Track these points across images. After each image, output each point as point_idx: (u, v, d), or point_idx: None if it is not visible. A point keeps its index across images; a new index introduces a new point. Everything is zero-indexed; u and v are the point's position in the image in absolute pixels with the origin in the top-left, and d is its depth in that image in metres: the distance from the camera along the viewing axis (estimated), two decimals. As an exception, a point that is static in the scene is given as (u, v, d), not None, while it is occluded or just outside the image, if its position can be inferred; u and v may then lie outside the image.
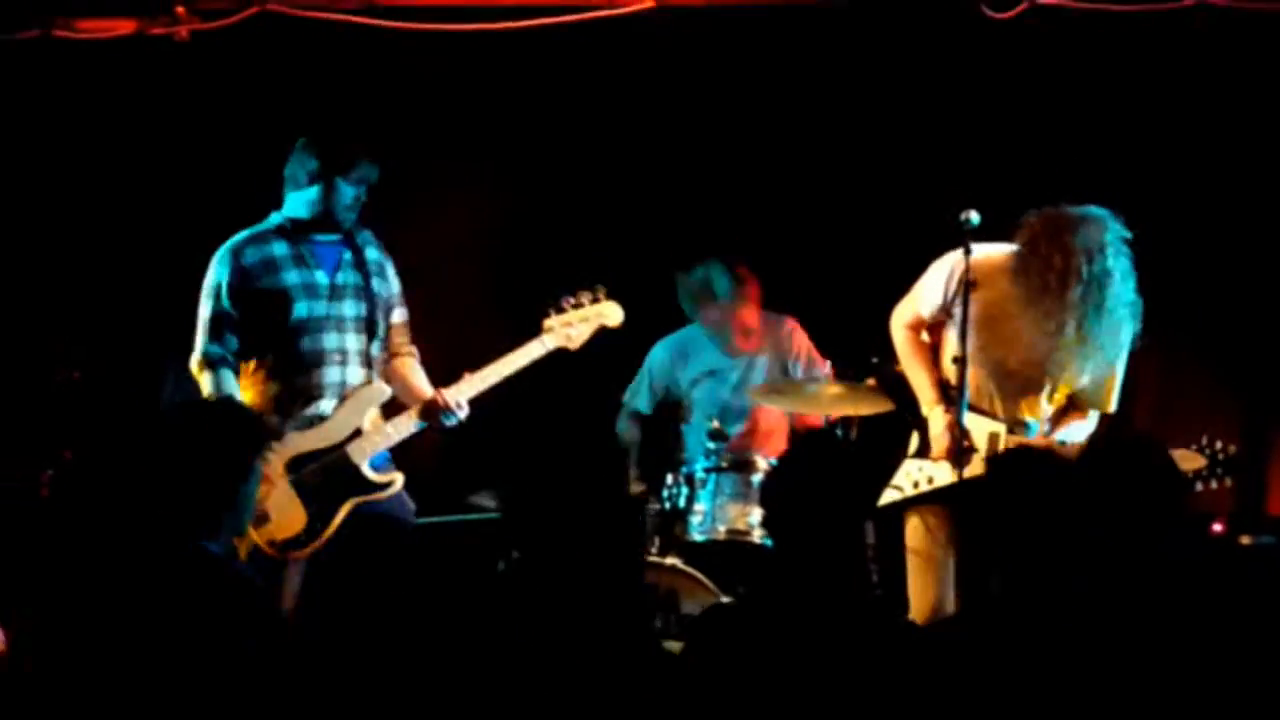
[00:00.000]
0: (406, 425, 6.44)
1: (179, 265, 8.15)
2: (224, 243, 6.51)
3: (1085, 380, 6.24)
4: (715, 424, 7.59)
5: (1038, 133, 8.13)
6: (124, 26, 8.38)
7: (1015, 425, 6.25)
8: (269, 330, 6.38)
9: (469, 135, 8.58)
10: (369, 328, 6.47)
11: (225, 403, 5.85)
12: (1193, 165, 8.21)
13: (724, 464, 7.42)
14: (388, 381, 6.53)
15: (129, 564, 4.61)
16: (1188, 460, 6.04)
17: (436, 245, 8.11)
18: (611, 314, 6.75)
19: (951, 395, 6.22)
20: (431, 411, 6.42)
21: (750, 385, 7.91)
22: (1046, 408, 6.31)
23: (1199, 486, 6.07)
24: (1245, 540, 7.45)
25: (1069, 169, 7.71)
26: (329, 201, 6.42)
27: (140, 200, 8.48)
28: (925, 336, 6.47)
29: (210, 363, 6.38)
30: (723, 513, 7.33)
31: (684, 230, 8.41)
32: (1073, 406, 6.34)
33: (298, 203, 6.46)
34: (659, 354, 8.15)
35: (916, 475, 6.32)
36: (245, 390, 6.36)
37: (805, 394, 7.65)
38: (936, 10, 8.12)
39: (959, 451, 6.08)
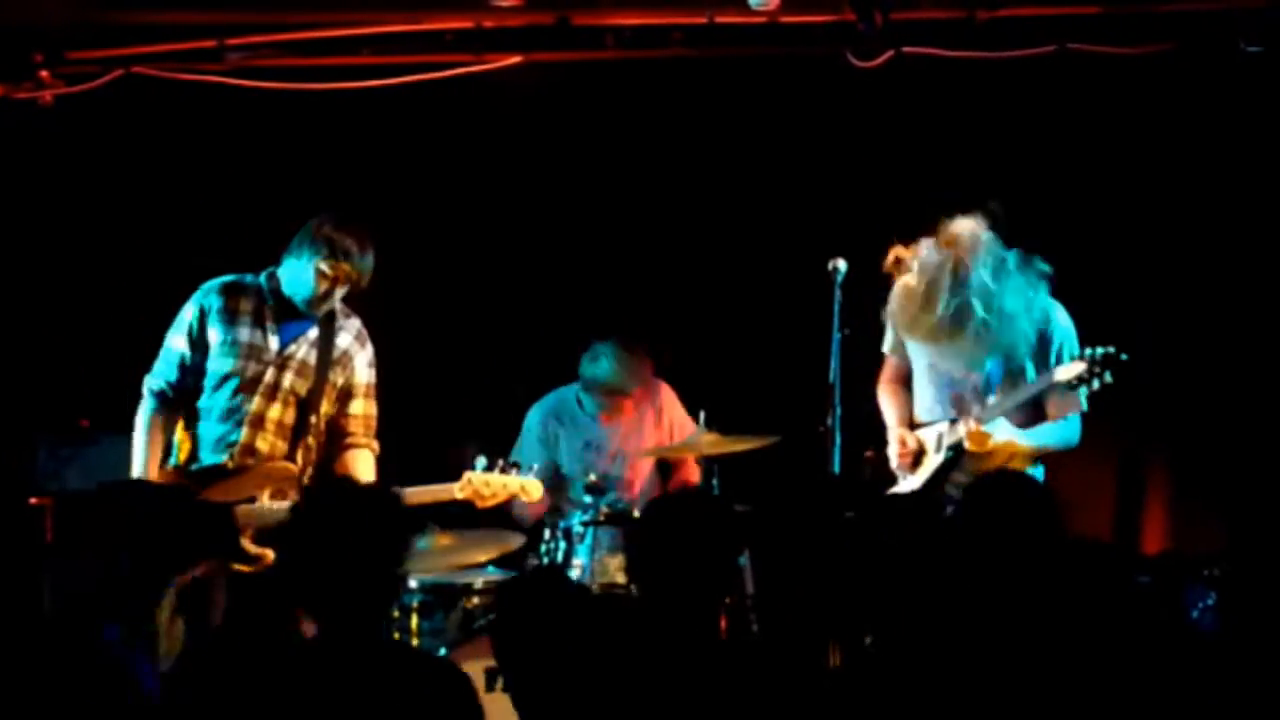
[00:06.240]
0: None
1: (48, 333, 8.15)
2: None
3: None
4: (592, 477, 7.57)
5: (906, 178, 8.18)
6: (-13, 91, 8.31)
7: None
8: (207, 376, 6.40)
9: (341, 196, 8.53)
10: (302, 405, 6.43)
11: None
12: (1061, 206, 8.29)
13: (600, 517, 7.40)
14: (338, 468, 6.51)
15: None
16: (1068, 370, 6.15)
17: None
18: (532, 490, 6.70)
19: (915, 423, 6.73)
20: None
21: (628, 449, 8.00)
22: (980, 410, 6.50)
23: (1085, 393, 6.15)
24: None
25: (939, 214, 7.77)
26: (310, 286, 6.39)
27: (6, 268, 8.37)
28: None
29: (151, 393, 6.42)
30: (601, 566, 7.30)
31: (556, 292, 8.46)
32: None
33: (288, 270, 6.45)
34: (534, 420, 8.16)
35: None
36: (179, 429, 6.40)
37: (685, 445, 7.74)
38: (802, 61, 8.17)
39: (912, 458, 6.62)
